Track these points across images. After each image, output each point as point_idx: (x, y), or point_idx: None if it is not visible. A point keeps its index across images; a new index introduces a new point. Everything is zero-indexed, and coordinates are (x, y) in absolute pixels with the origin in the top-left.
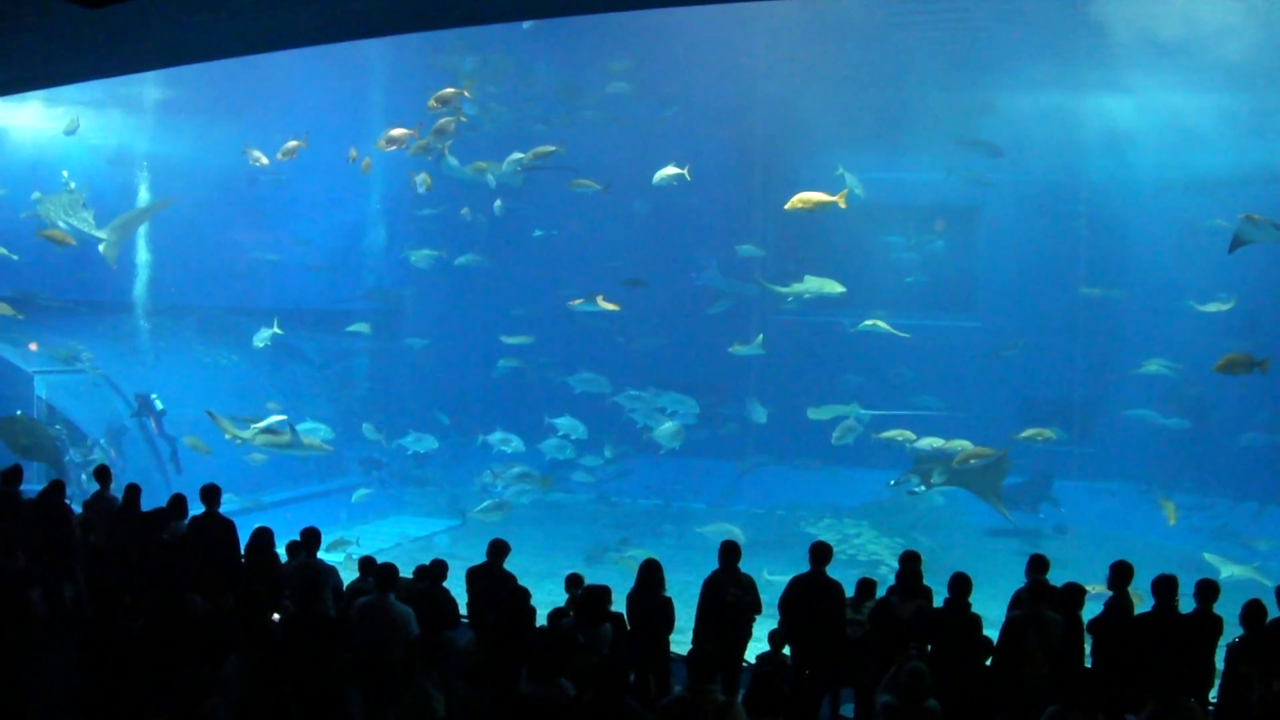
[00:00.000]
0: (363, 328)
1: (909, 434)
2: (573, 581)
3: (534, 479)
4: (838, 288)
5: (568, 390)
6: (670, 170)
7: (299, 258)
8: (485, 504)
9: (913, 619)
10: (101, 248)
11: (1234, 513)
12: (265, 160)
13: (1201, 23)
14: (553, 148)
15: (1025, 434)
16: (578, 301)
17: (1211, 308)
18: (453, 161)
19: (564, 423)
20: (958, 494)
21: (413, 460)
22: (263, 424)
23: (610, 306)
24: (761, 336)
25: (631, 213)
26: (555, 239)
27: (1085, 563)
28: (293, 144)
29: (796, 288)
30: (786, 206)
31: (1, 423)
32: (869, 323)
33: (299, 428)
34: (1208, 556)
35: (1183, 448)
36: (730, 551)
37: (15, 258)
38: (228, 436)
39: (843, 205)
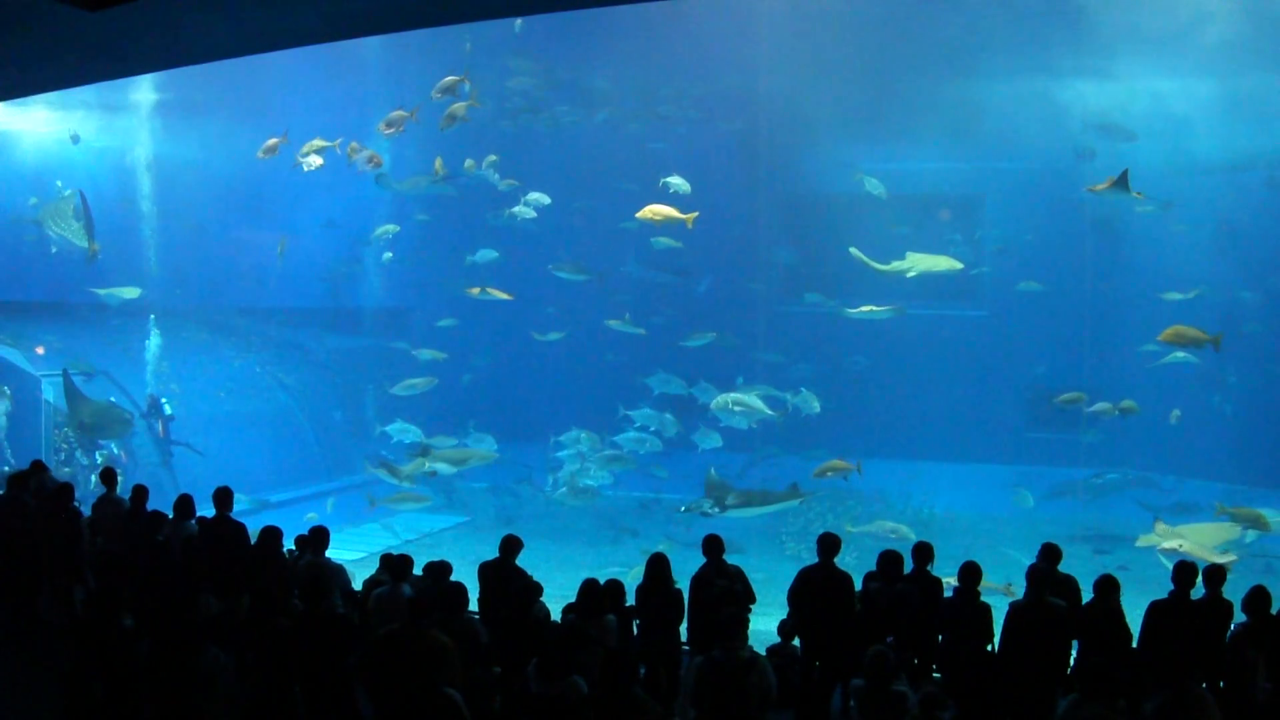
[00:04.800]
0: (450, 322)
1: (1082, 395)
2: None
3: (625, 461)
4: (954, 264)
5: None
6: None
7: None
8: (567, 488)
9: (889, 602)
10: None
11: None
12: (320, 161)
13: (1182, 7)
14: (494, 157)
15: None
16: (475, 290)
17: (1173, 296)
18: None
19: (644, 415)
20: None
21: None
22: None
23: (504, 295)
24: (628, 315)
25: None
26: (575, 239)
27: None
28: (273, 141)
29: (897, 265)
30: (638, 215)
31: (75, 397)
32: (866, 309)
33: (388, 429)
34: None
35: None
36: (714, 544)
37: (135, 293)
38: (402, 476)
39: (690, 226)
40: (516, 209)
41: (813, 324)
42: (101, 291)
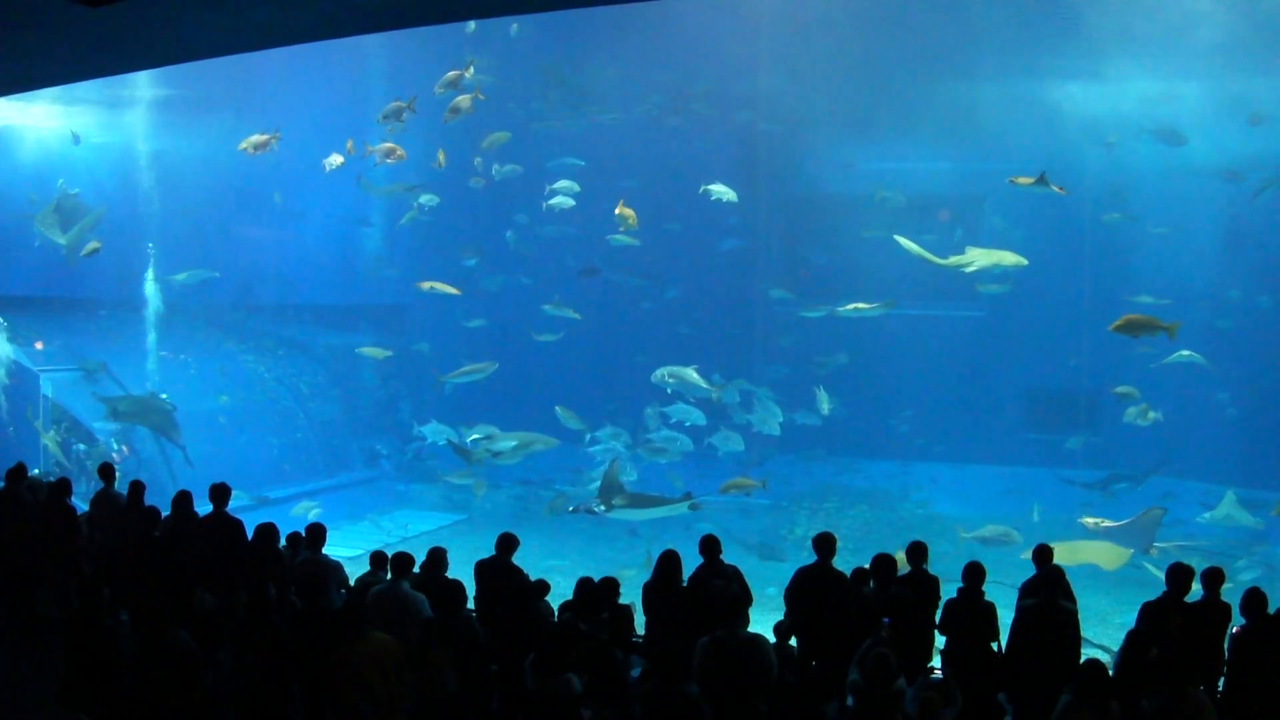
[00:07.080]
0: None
1: (1133, 390)
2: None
3: (671, 453)
4: (1020, 260)
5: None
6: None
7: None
8: (599, 483)
9: (883, 605)
10: (65, 252)
11: None
12: (340, 160)
13: (1174, 10)
14: (479, 159)
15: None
16: (425, 285)
17: (1144, 299)
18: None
19: (678, 410)
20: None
21: (416, 454)
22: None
23: (450, 290)
24: (557, 298)
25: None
26: (576, 235)
27: None
28: (262, 138)
29: (956, 260)
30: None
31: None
32: (850, 306)
33: (424, 430)
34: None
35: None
36: (710, 544)
37: (216, 274)
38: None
39: (631, 220)
40: (555, 200)
41: (810, 323)
42: (178, 277)
